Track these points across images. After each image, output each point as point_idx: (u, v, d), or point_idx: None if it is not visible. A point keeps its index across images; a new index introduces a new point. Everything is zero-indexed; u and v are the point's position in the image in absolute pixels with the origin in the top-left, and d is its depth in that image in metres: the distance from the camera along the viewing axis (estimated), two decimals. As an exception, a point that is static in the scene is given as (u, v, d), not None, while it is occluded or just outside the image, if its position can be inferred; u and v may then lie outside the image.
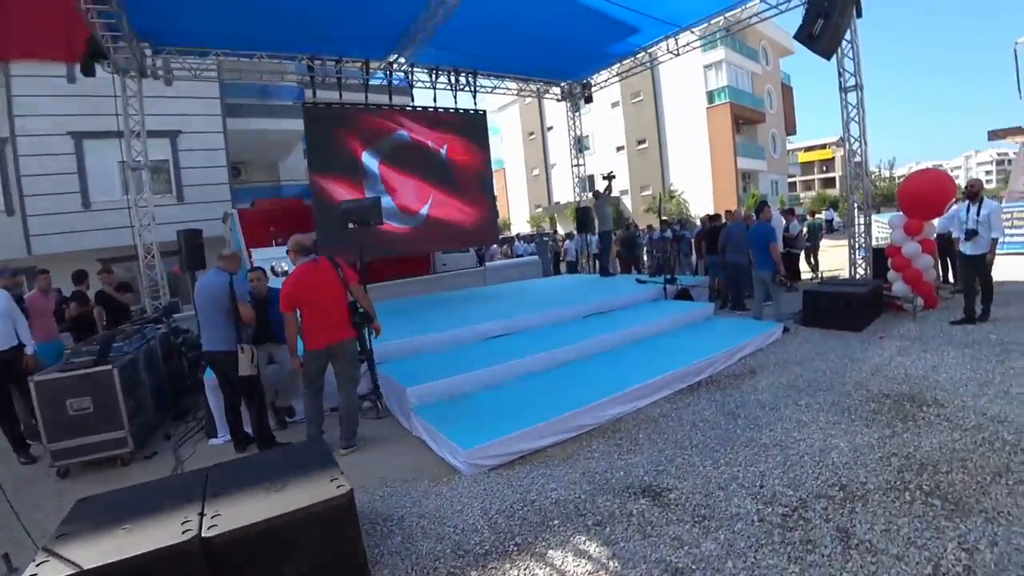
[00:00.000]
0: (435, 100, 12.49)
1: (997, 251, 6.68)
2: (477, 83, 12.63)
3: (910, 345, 6.04)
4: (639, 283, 9.33)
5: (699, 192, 28.89)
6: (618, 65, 13.14)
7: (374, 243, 10.76)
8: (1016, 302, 7.72)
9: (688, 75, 29.77)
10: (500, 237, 22.53)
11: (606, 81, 13.97)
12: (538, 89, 14.43)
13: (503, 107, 43.95)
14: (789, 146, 38.74)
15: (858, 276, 8.91)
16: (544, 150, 39.89)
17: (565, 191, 37.44)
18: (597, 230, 11.42)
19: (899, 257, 7.73)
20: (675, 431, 4.32)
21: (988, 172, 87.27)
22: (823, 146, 60.32)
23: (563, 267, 17.42)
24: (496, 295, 10.14)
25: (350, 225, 6.23)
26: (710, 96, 29.10)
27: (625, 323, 7.00)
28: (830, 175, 58.56)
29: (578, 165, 15.32)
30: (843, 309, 7.02)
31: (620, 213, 33.12)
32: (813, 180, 60.51)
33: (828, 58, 8.48)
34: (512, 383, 5.44)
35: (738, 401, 4.80)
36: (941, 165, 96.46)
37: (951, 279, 9.18)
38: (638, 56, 12.62)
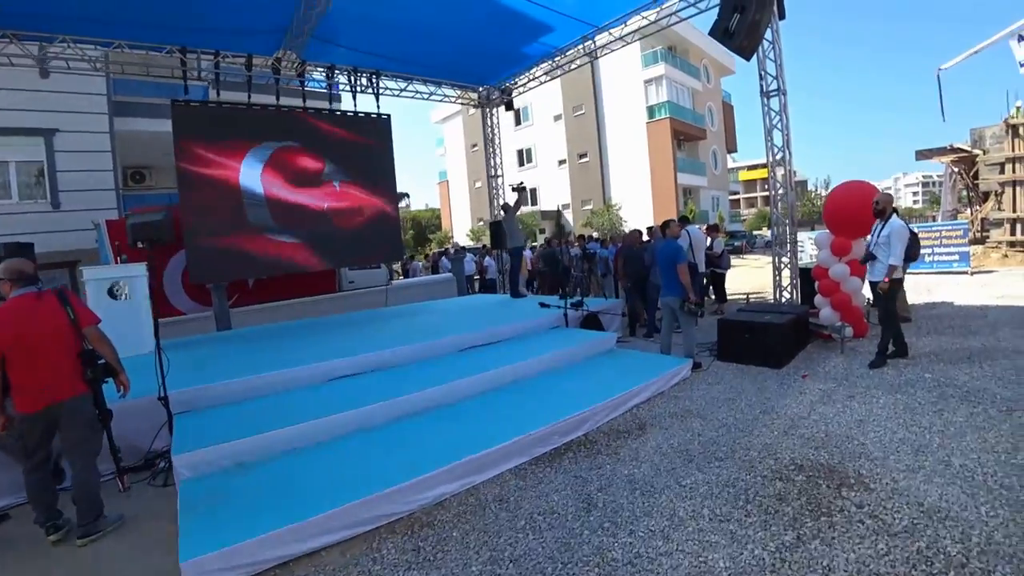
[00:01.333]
0: (354, 103, 11.22)
1: (913, 272, 5.77)
2: (380, 85, 11.38)
3: (835, 388, 5.01)
4: (542, 307, 8.16)
5: (639, 207, 28.30)
6: (537, 68, 12.08)
7: (256, 261, 9.36)
8: (950, 329, 6.91)
9: (629, 90, 29.39)
10: (443, 250, 21.10)
11: (525, 86, 12.88)
12: (454, 94, 13.20)
13: (447, 118, 42.95)
14: (733, 164, 38.94)
15: (784, 300, 7.99)
16: (487, 162, 38.83)
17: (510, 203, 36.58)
18: (508, 246, 10.22)
19: (826, 280, 6.80)
20: (503, 528, 3.06)
21: (915, 193, 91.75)
22: (765, 165, 61.59)
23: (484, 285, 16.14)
24: (382, 319, 8.77)
25: (139, 244, 4.84)
26: (650, 111, 28.71)
27: (507, 359, 5.74)
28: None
29: (495, 176, 14.08)
30: (761, 342, 5.98)
31: (562, 227, 32.31)
32: (756, 198, 61.69)
33: (748, 58, 7.59)
34: (328, 445, 4.10)
35: (606, 478, 3.58)
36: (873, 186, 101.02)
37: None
38: (556, 59, 11.61)
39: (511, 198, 10.58)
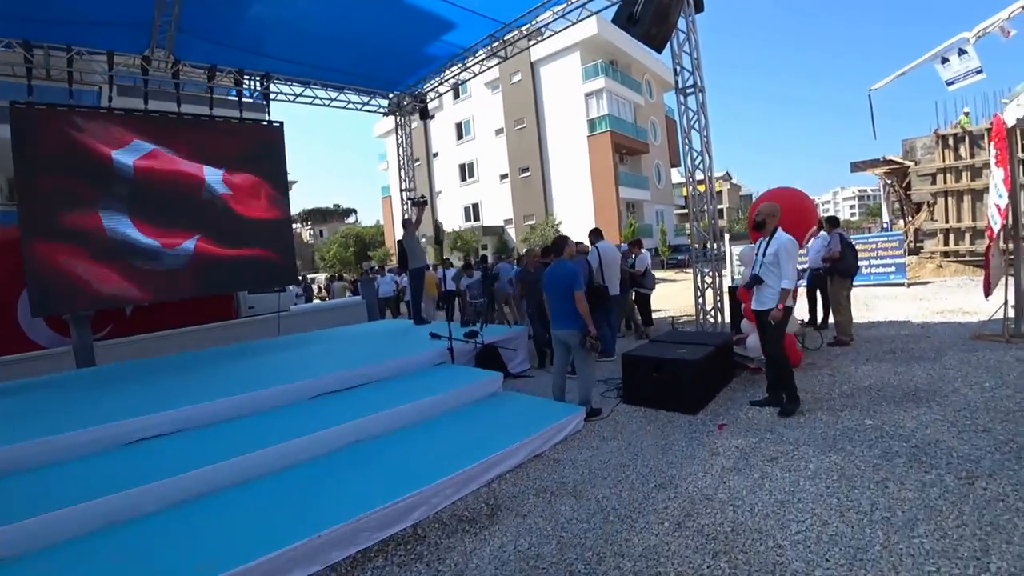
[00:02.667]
0: (240, 109, 9.81)
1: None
2: (271, 89, 10.06)
3: (756, 445, 3.93)
4: (433, 338, 6.94)
5: (582, 221, 27.53)
6: (447, 71, 10.99)
7: (112, 289, 7.80)
8: (891, 355, 6.02)
9: (570, 103, 28.81)
10: (369, 268, 19.49)
11: (435, 91, 11.77)
12: (359, 100, 11.95)
13: (388, 132, 41.52)
14: (677, 178, 38.88)
15: (711, 324, 7.01)
16: (429, 177, 37.63)
17: (453, 218, 35.48)
18: (408, 267, 8.98)
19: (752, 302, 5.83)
20: None
21: (852, 206, 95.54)
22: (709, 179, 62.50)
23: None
24: (255, 354, 7.36)
25: None
26: (591, 124, 28.13)
27: (359, 410, 4.46)
28: (719, 207, 60.57)
29: (408, 189, 12.85)
30: (672, 383, 4.89)
31: (505, 244, 31.32)
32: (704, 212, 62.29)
33: (659, 48, 6.67)
34: (61, 548, 2.77)
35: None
36: (813, 200, 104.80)
37: (829, 319, 7.53)
38: (466, 61, 10.55)
39: (414, 213, 9.40)
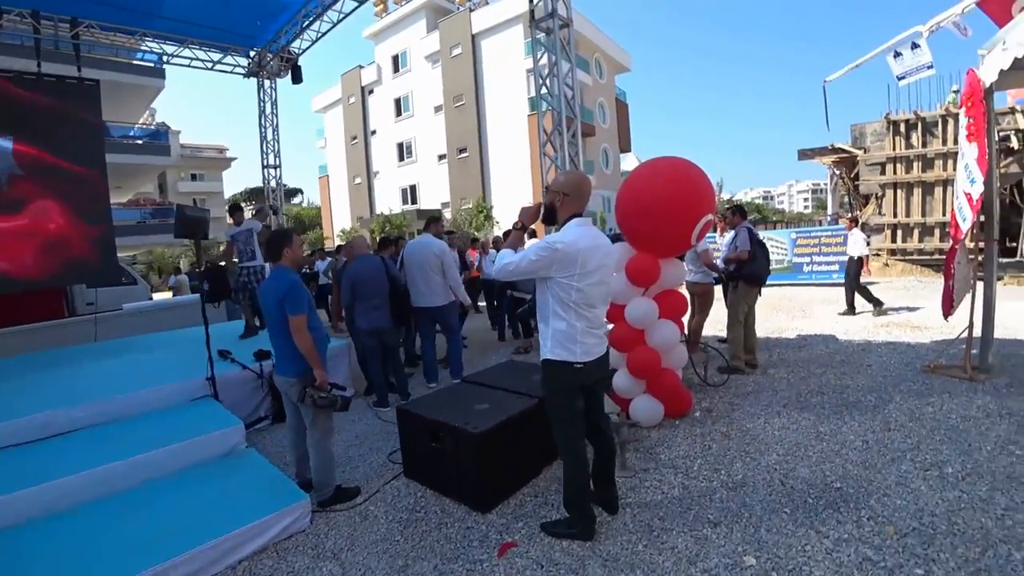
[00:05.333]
0: (38, 62, 7.46)
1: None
2: (85, 39, 7.76)
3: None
4: (222, 357, 4.99)
5: (521, 205, 25.69)
6: (314, 24, 8.84)
7: None
8: (819, 395, 4.28)
9: (511, 79, 26.77)
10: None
11: (299, 48, 9.60)
12: (208, 59, 9.67)
13: (327, 107, 38.79)
14: (628, 164, 37.32)
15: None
16: (367, 156, 35.17)
17: (390, 201, 33.03)
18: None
19: (620, 325, 4.01)
20: None
21: (806, 199, 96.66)
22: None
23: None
24: (41, 368, 5.41)
25: None
26: (532, 103, 26.11)
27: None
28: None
29: (273, 166, 10.63)
30: (451, 460, 3.05)
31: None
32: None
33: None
34: None
35: None
36: (769, 192, 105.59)
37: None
38: (330, 12, 8.44)
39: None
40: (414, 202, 31.49)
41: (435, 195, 30.34)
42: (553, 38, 4.74)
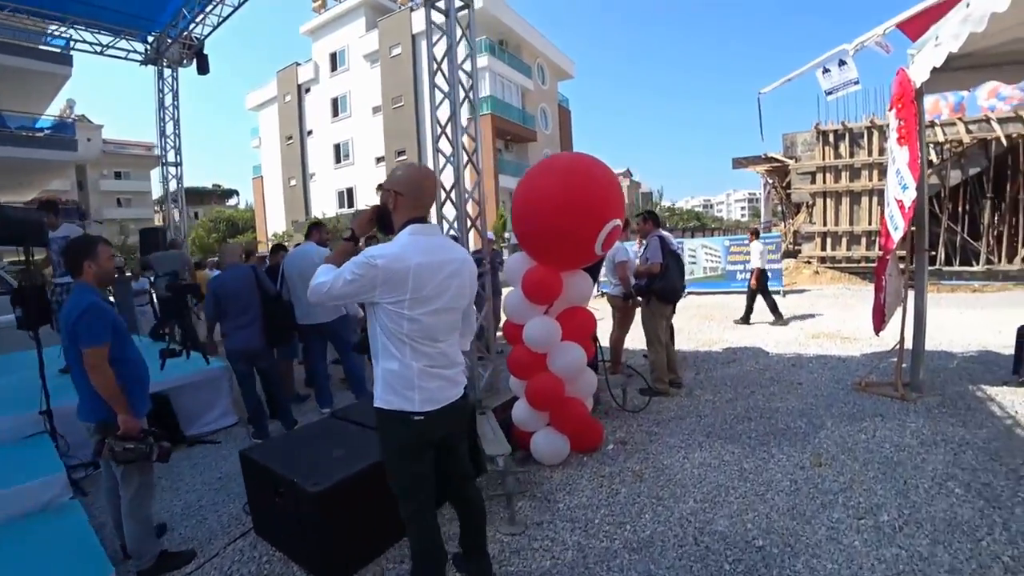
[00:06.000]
0: None
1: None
2: None
3: None
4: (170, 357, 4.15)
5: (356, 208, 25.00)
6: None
7: None
8: (745, 421, 3.82)
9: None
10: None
11: (203, 34, 8.63)
12: (95, 42, 8.56)
13: (262, 105, 36.92)
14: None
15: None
16: (303, 157, 33.66)
17: (326, 204, 31.67)
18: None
19: (519, 349, 3.43)
20: None
21: (743, 208, 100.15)
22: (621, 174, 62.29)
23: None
24: None
25: None
26: (471, 105, 25.55)
27: None
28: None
29: (175, 164, 9.55)
30: (293, 520, 2.40)
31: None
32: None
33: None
34: None
35: None
36: (709, 200, 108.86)
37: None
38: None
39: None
40: (351, 205, 30.27)
41: (373, 198, 29.23)
42: (451, 20, 4.11)
